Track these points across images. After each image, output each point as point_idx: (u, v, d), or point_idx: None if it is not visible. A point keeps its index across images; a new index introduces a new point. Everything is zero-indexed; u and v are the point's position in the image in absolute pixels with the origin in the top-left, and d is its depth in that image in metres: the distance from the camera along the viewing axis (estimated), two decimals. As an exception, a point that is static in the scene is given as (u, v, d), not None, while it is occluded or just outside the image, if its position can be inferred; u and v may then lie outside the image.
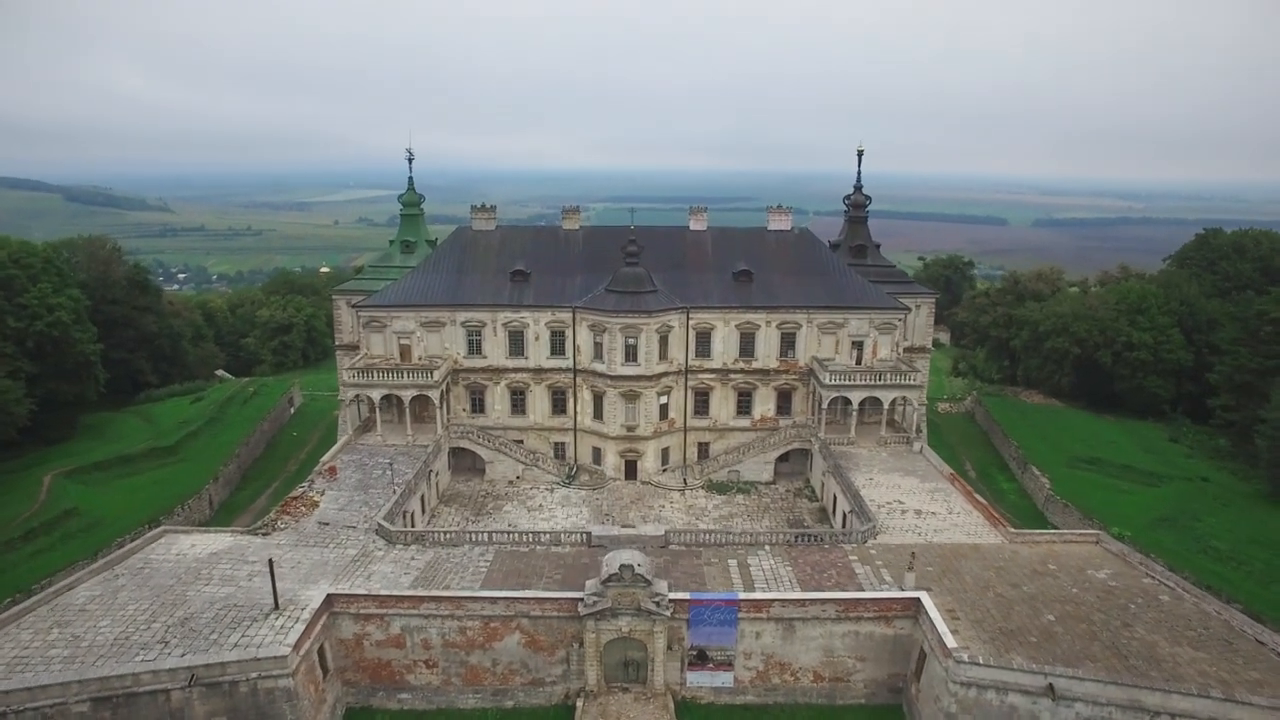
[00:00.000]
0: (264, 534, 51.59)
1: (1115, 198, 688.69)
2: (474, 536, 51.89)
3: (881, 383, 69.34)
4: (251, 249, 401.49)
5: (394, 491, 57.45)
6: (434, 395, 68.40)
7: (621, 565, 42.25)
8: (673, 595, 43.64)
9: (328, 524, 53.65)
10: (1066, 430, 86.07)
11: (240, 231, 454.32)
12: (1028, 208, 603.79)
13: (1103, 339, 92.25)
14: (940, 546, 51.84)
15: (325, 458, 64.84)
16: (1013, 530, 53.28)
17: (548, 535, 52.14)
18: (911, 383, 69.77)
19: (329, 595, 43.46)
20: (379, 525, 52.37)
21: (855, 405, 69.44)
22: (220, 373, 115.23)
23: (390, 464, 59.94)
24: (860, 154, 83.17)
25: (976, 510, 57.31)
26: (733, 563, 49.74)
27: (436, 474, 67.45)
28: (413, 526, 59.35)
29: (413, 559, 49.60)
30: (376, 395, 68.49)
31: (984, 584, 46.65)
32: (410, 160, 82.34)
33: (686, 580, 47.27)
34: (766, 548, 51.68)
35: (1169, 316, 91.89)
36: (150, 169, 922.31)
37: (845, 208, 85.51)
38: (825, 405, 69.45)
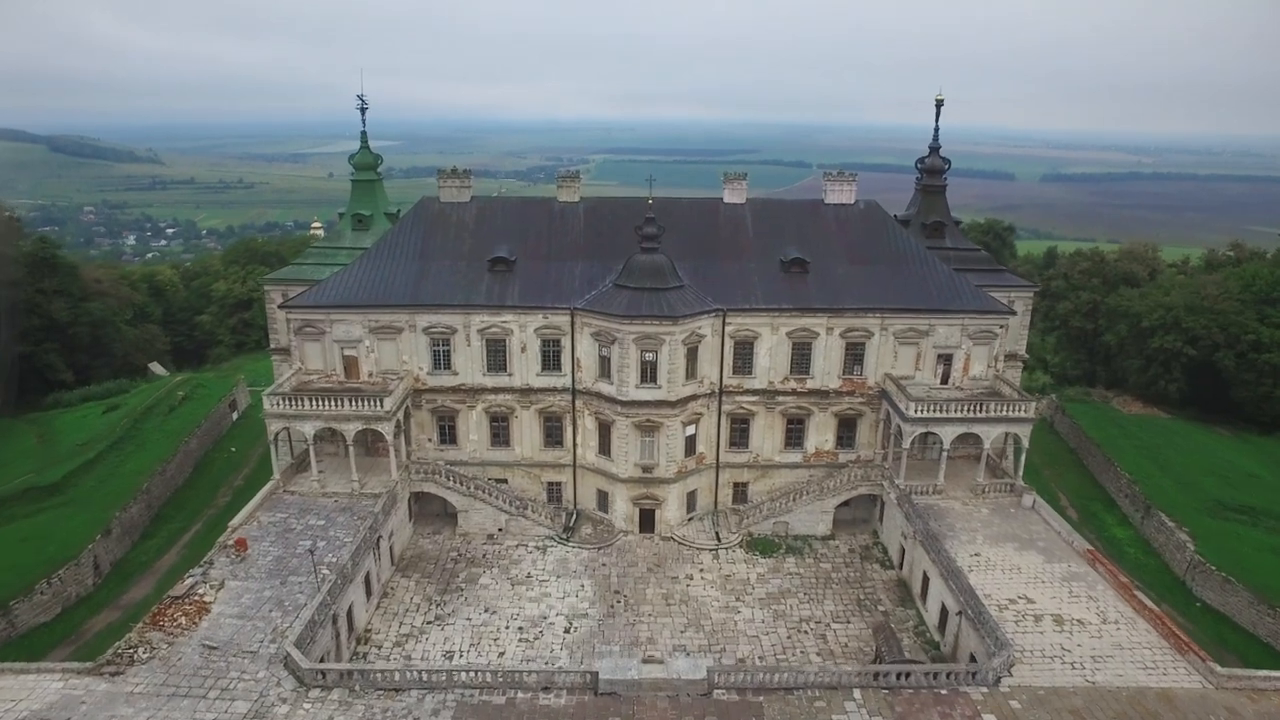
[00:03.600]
0: (113, 673, 34.86)
1: (1122, 151, 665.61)
2: (425, 677, 35.18)
3: (984, 415, 51.82)
4: (243, 202, 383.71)
5: (318, 587, 40.61)
6: (386, 429, 51.20)
7: (650, 795, 25.68)
8: (731, 826, 27.17)
9: (216, 648, 36.94)
10: (1186, 453, 69.25)
11: (231, 184, 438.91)
12: (1035, 161, 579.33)
13: (1224, 337, 74.84)
14: (1111, 693, 35.16)
15: (234, 522, 47.81)
16: (1220, 670, 36.22)
17: (534, 675, 35.39)
18: (1023, 414, 52.44)
19: (177, 825, 27.00)
20: (287, 654, 35.72)
21: (947, 445, 52.29)
22: (154, 366, 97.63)
23: (312, 549, 42.87)
24: (939, 104, 64.85)
25: (1142, 618, 40.50)
26: (811, 729, 33.25)
27: (391, 535, 50.68)
28: (351, 624, 42.94)
29: (331, 720, 33.09)
30: (310, 429, 51.30)
31: (1207, 783, 30.19)
32: (363, 110, 64.29)
33: (746, 772, 30.85)
34: (857, 695, 35.04)
35: (1311, 310, 74.37)
36: (134, 118, 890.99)
37: (917, 173, 67.32)
38: (907, 444, 52.30)
